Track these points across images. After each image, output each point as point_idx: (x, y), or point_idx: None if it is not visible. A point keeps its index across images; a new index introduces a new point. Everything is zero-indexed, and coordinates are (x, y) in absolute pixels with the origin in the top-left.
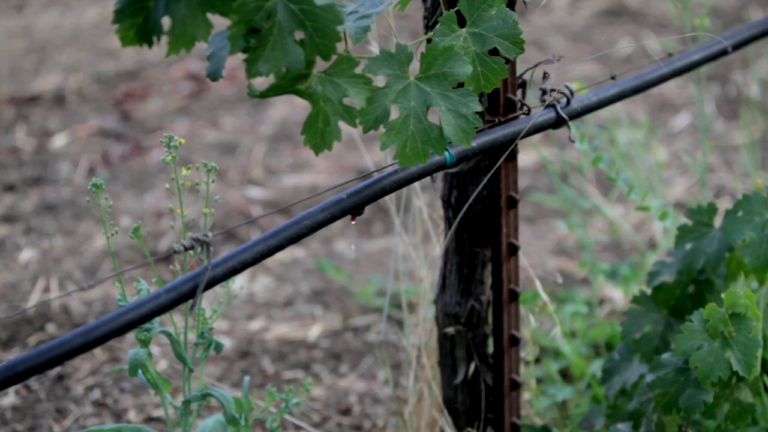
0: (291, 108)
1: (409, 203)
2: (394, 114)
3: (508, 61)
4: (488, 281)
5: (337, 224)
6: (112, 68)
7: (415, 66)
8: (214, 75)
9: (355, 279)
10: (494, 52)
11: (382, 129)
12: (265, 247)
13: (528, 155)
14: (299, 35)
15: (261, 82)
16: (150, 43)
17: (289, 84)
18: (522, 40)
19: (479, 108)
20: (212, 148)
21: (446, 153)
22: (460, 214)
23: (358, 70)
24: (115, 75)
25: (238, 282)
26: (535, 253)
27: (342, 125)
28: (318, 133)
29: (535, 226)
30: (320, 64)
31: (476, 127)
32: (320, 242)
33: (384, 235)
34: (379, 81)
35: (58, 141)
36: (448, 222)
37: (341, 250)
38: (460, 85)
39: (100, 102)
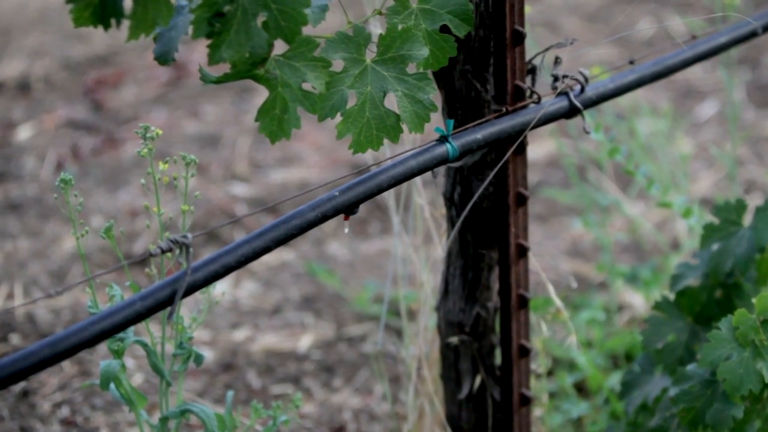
0: None
1: (409, 201)
2: (352, 101)
3: (458, 39)
4: (495, 286)
5: (330, 224)
6: (82, 53)
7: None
8: (164, 58)
9: (349, 284)
10: (445, 29)
11: (339, 117)
12: (250, 249)
13: (539, 147)
14: (262, 18)
15: (217, 67)
16: (107, 26)
17: (247, 69)
18: (471, 17)
19: (434, 92)
20: (192, 140)
21: (448, 145)
22: (464, 213)
23: (317, 53)
24: (86, 60)
25: (221, 288)
26: (548, 255)
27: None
28: (275, 121)
29: (547, 225)
30: (278, 47)
31: (491, 116)
32: (311, 244)
33: (381, 235)
34: (337, 66)
35: (23, 133)
36: (451, 221)
37: (334, 252)
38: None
39: (69, 90)
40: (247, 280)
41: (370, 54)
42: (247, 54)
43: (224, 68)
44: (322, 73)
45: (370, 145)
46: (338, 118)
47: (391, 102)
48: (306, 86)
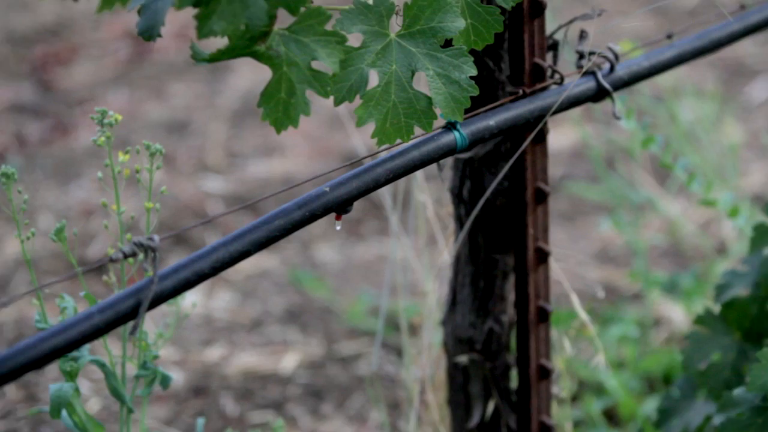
0: (258, 74)
1: (410, 198)
2: (373, 82)
3: (504, 11)
4: (511, 296)
5: (319, 225)
6: (28, 24)
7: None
8: (149, 33)
9: (340, 294)
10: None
11: (358, 100)
12: (226, 253)
13: (562, 136)
14: None
15: (210, 43)
16: None
17: (245, 45)
18: None
19: (474, 71)
20: (157, 127)
21: (456, 133)
22: (475, 212)
23: (329, 26)
24: (32, 33)
25: (191, 298)
26: (572, 260)
27: (316, 97)
28: (280, 106)
29: (572, 225)
30: (282, 19)
31: (505, 99)
32: (297, 247)
33: (378, 238)
34: (355, 42)
35: None
36: (460, 221)
37: (323, 258)
38: (449, 43)
39: (12, 68)
40: (223, 290)
41: (395, 28)
42: (243, 27)
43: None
44: (336, 49)
45: (398, 134)
46: (346, 104)
47: (420, 84)
48: (316, 65)
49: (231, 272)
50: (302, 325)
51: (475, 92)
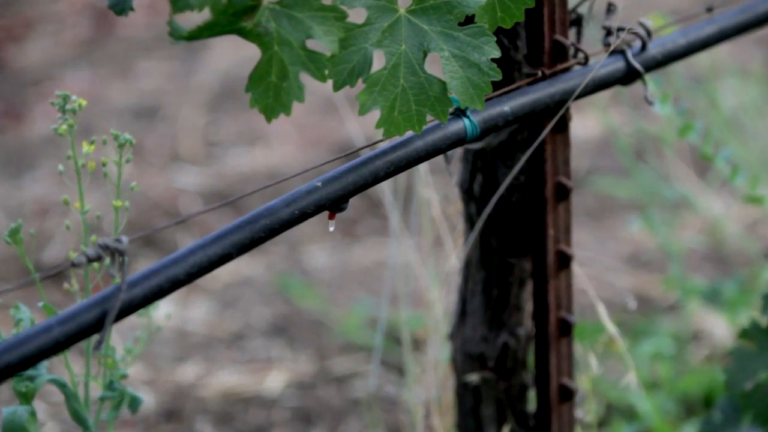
0: (240, 52)
1: (413, 194)
2: (378, 64)
3: None
4: (528, 306)
5: (309, 225)
6: None
7: None
8: (121, 6)
9: (334, 304)
10: None
11: (361, 85)
12: (204, 257)
13: (588, 123)
14: None
15: (189, 19)
16: None
17: (229, 20)
18: None
19: (497, 53)
20: (123, 112)
21: (466, 120)
22: (487, 210)
23: (327, 1)
24: None
25: (165, 309)
26: (599, 265)
27: (307, 79)
28: (270, 91)
29: (598, 225)
30: None
31: (522, 82)
32: (284, 251)
33: (377, 239)
34: (358, 18)
35: None
36: (470, 221)
37: (314, 262)
38: (469, 20)
39: None
40: (199, 300)
41: (404, 2)
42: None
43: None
44: (335, 26)
45: (408, 124)
46: (348, 88)
47: (432, 67)
48: (312, 44)
49: (209, 279)
50: (290, 339)
51: (498, 76)
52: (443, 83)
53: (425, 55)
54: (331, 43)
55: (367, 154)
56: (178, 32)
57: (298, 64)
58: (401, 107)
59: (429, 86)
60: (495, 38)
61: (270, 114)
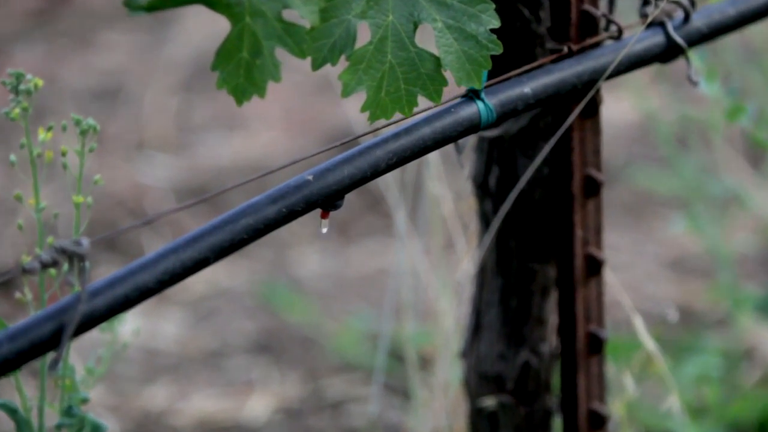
0: (217, 24)
1: (420, 189)
2: (364, 38)
3: None
4: (553, 319)
5: (299, 225)
6: None
7: None
8: None
9: (327, 316)
10: None
11: (344, 62)
12: (177, 262)
13: (622, 107)
14: None
15: None
16: None
17: None
18: None
19: (497, 23)
20: (82, 94)
21: (479, 104)
22: (505, 207)
23: None
24: None
25: (132, 323)
26: (635, 271)
27: (287, 55)
28: (241, 69)
29: (635, 224)
30: None
31: (545, 59)
32: (270, 255)
33: (378, 242)
34: None
35: None
36: (485, 220)
37: (305, 269)
38: None
39: None
40: (172, 313)
41: None
42: None
43: None
44: None
45: (396, 106)
46: (338, 65)
47: (424, 40)
48: (288, 15)
49: (182, 289)
50: (276, 357)
51: (498, 50)
52: (436, 59)
53: (416, 26)
54: (310, 14)
55: (366, 142)
56: (135, 2)
57: (273, 38)
58: (389, 87)
59: (420, 62)
60: (494, 5)
61: (241, 96)
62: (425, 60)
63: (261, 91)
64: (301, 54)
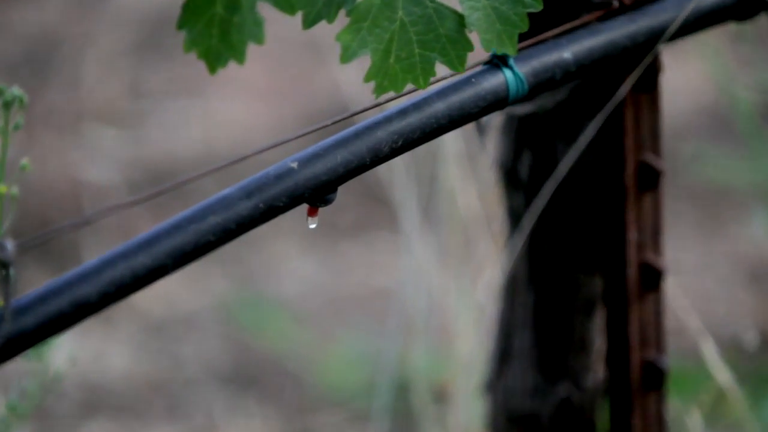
0: None
1: (434, 179)
2: None
3: None
4: (599, 344)
5: (280, 225)
6: None
7: None
8: None
9: (314, 338)
10: None
11: (342, 19)
12: (126, 271)
13: (690, 76)
14: None
15: None
16: None
17: None
18: None
19: None
20: (4, 56)
21: (507, 72)
22: (539, 202)
23: None
24: None
25: (68, 348)
26: (704, 283)
27: (270, 11)
28: (214, 28)
29: (704, 224)
30: None
31: (590, 16)
32: (242, 263)
33: (379, 245)
34: None
35: None
36: (514, 218)
37: (286, 279)
38: None
39: None
40: (119, 336)
41: None
42: None
43: None
44: None
45: (409, 75)
46: (336, 23)
47: None
48: None
49: (133, 306)
50: (247, 391)
51: (537, 6)
52: (459, 17)
53: None
54: None
55: (365, 120)
56: None
57: None
58: (399, 51)
59: (439, 21)
60: None
61: (214, 61)
62: (445, 18)
63: (239, 56)
64: (290, 9)
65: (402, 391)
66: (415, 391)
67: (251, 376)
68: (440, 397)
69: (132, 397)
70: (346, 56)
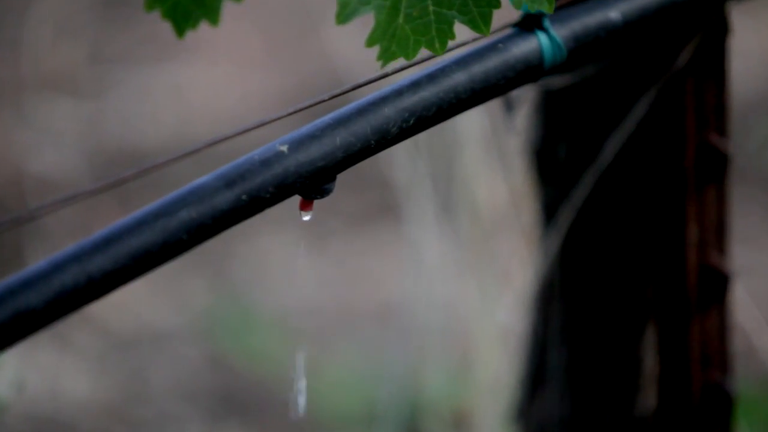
0: None
1: (452, 167)
2: None
3: None
4: (651, 365)
5: (267, 220)
6: None
7: None
8: None
9: (310, 359)
10: None
11: None
12: (80, 275)
13: (764, 42)
14: None
15: None
16: None
17: None
18: None
19: None
20: None
21: (542, 36)
22: (579, 194)
23: None
24: None
25: (11, 371)
26: None
27: None
28: None
29: None
30: None
31: None
32: (221, 269)
33: (385, 245)
34: None
35: None
36: (548, 212)
37: (272, 288)
38: None
39: None
40: (76, 360)
41: None
42: None
43: None
44: None
45: (422, 39)
46: None
47: None
48: None
49: (91, 320)
50: (229, 421)
51: None
52: None
53: None
54: None
55: (370, 95)
56: None
57: None
58: (410, 8)
59: None
60: None
61: (183, 22)
62: None
63: (212, 15)
64: None
65: (413, 418)
66: (428, 418)
67: (234, 403)
68: (459, 425)
69: (91, 429)
70: (344, 15)
